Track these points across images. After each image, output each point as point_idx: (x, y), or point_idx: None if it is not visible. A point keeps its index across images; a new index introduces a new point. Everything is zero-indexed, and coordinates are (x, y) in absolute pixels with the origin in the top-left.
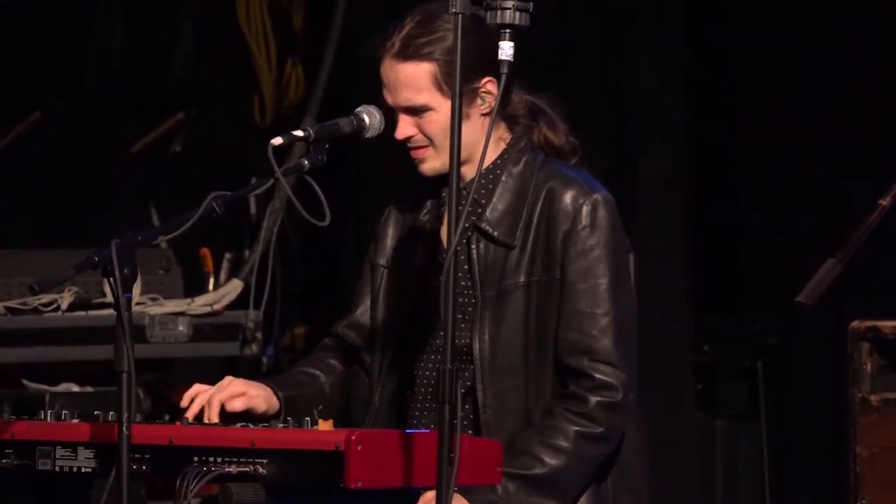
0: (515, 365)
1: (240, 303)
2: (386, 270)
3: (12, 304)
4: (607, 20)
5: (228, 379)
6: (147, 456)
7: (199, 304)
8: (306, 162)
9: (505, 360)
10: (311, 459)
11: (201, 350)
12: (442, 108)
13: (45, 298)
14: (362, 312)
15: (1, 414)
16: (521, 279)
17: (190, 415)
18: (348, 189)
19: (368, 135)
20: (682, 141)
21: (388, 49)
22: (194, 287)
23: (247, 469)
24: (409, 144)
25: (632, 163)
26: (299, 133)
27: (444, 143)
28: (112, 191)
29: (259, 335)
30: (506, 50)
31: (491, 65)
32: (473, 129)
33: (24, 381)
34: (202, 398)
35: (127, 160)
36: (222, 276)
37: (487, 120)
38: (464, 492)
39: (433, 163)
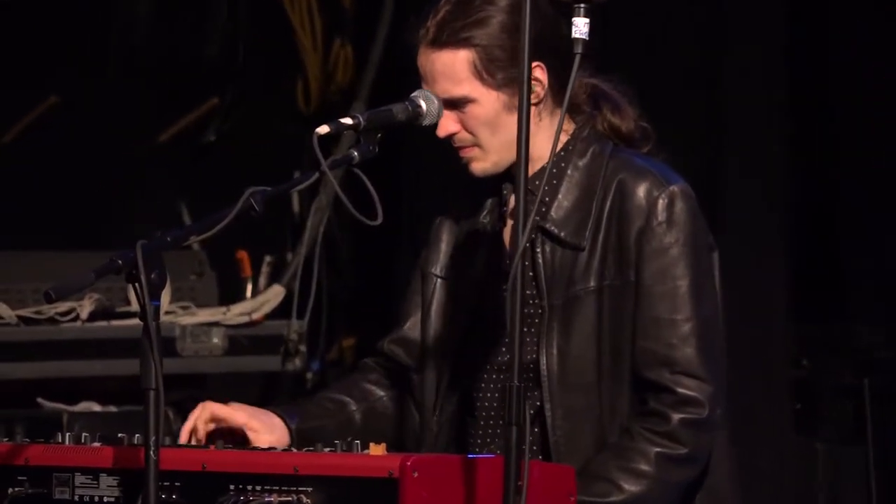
0: (587, 381)
1: (281, 311)
2: (440, 280)
3: (26, 312)
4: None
5: (234, 406)
6: (177, 483)
7: (236, 313)
8: (356, 153)
9: (576, 376)
10: (362, 487)
11: (238, 365)
12: (484, 99)
13: (63, 307)
14: (411, 327)
15: (14, 436)
16: (592, 284)
17: (183, 435)
18: (403, 184)
19: (426, 122)
20: (780, 141)
21: (422, 37)
22: (230, 294)
23: (289, 498)
24: (453, 143)
25: (725, 161)
26: (348, 121)
27: (490, 140)
28: (138, 185)
29: (303, 348)
30: (580, 27)
31: (540, 48)
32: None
33: (40, 400)
34: (188, 426)
35: (155, 151)
36: (261, 281)
37: (537, 110)
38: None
39: (482, 163)
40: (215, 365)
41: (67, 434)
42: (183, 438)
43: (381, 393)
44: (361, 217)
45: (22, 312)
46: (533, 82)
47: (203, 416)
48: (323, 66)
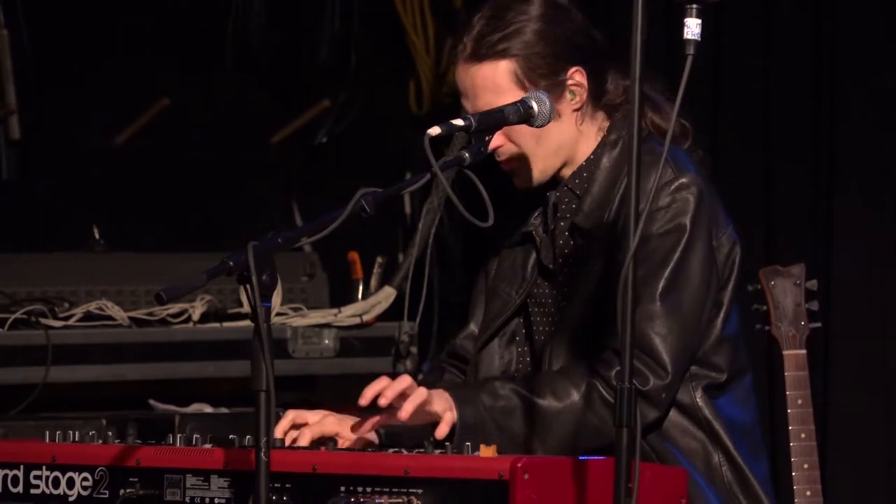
0: (580, 344)
1: (393, 313)
2: (496, 273)
3: (138, 314)
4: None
5: (322, 413)
6: (288, 485)
7: (347, 314)
8: (467, 155)
9: (570, 344)
10: (472, 489)
11: (349, 366)
12: None
13: (175, 308)
14: (477, 324)
15: (125, 438)
16: (596, 265)
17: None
18: (513, 185)
19: (537, 124)
20: None
21: (460, 53)
22: (341, 296)
23: (400, 500)
24: (497, 158)
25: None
26: (460, 122)
27: (536, 148)
28: (250, 187)
29: (414, 349)
30: (692, 28)
31: (579, 53)
32: (566, 128)
33: (151, 402)
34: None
35: (267, 152)
36: (373, 283)
37: (579, 115)
38: (459, 400)
39: (525, 177)
40: (326, 367)
41: (179, 435)
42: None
43: None
44: (472, 218)
45: (134, 314)
46: (574, 87)
47: (282, 424)
48: (435, 67)
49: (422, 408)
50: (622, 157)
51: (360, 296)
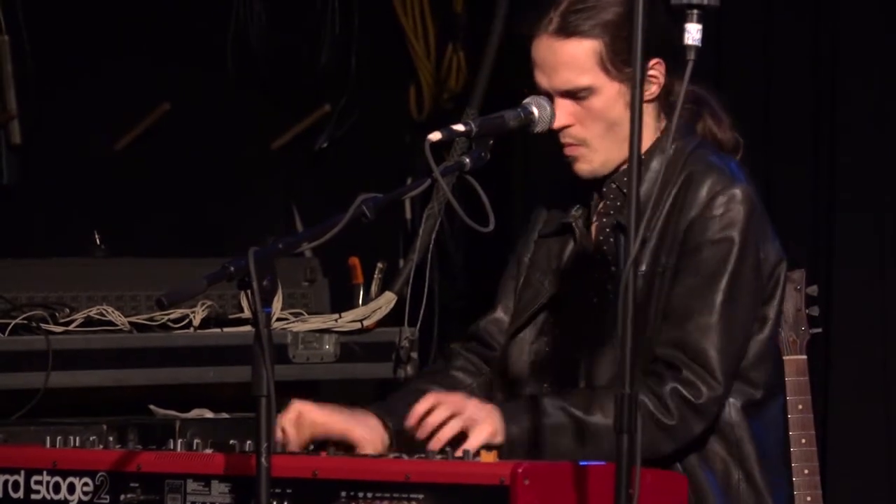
0: (615, 361)
1: (393, 318)
2: (530, 263)
3: (139, 319)
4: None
5: (330, 409)
6: (289, 490)
7: (348, 319)
8: (468, 160)
9: (612, 352)
10: (473, 495)
11: (350, 371)
12: (606, 91)
13: (176, 314)
14: (504, 310)
15: (126, 443)
16: (644, 267)
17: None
18: (515, 191)
19: (538, 129)
20: None
21: (544, 26)
22: (342, 301)
23: None
24: (561, 139)
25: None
26: (460, 127)
27: (602, 136)
28: (250, 192)
29: (415, 355)
30: (693, 33)
31: (660, 46)
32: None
33: (152, 407)
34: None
35: (267, 157)
36: (373, 288)
37: (651, 107)
38: (508, 418)
39: (587, 164)
40: (327, 372)
41: (179, 441)
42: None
43: (469, 381)
44: (473, 224)
45: (135, 319)
46: (652, 78)
47: (289, 416)
48: (435, 72)
49: (460, 433)
50: (674, 163)
51: (360, 301)
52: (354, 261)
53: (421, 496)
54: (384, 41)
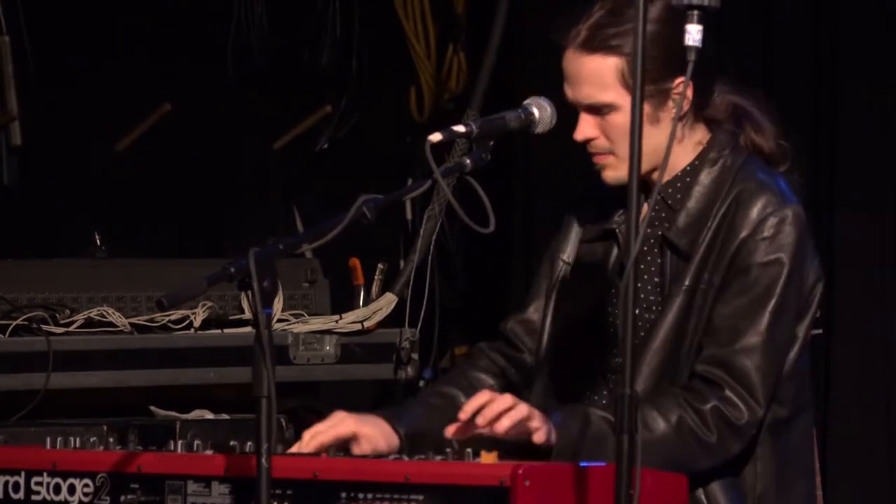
0: (656, 371)
1: (394, 319)
2: (569, 267)
3: (139, 320)
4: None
5: (338, 416)
6: (289, 491)
7: (349, 321)
8: (469, 161)
9: (646, 366)
10: (473, 496)
11: (350, 372)
12: (627, 108)
13: (176, 315)
14: (535, 310)
15: (126, 444)
16: (687, 283)
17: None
18: (516, 191)
19: (538, 130)
20: None
21: (572, 38)
22: (343, 302)
23: None
24: (589, 149)
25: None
26: (461, 128)
27: (627, 149)
28: (251, 193)
29: (415, 356)
30: (693, 34)
31: (686, 63)
32: (661, 134)
33: (152, 408)
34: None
35: (268, 158)
36: (374, 289)
37: (679, 125)
38: (560, 423)
39: (616, 172)
40: (327, 373)
41: (180, 442)
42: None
43: (492, 381)
44: (474, 225)
45: (135, 320)
46: (677, 97)
47: (335, 432)
48: (436, 73)
49: (520, 422)
50: (722, 178)
51: (361, 302)
52: (355, 262)
53: (421, 497)
54: (385, 42)
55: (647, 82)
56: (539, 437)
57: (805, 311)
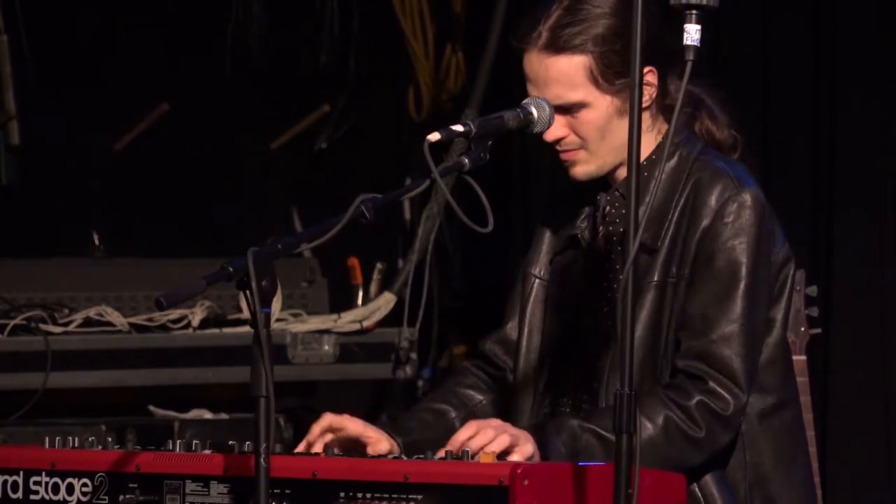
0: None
1: (392, 319)
2: (538, 281)
3: (138, 320)
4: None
5: (347, 416)
6: (288, 491)
7: (347, 320)
8: (467, 160)
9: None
10: (472, 495)
11: (349, 372)
12: (598, 104)
13: (175, 314)
14: (512, 328)
15: (125, 444)
16: (655, 278)
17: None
18: (514, 191)
19: (537, 129)
20: None
21: (534, 41)
22: (341, 301)
23: None
24: (557, 147)
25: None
26: (459, 128)
27: (599, 144)
28: (249, 193)
29: (414, 355)
30: (692, 34)
31: (652, 52)
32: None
33: (151, 408)
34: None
35: (266, 158)
36: (373, 288)
37: (647, 114)
38: (539, 435)
39: (586, 166)
40: (326, 372)
41: (178, 441)
42: (301, 448)
43: (480, 397)
44: (472, 224)
45: (134, 320)
46: (644, 86)
47: (321, 423)
48: (434, 72)
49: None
50: (679, 170)
51: (359, 301)
52: (354, 261)
53: (420, 497)
54: (383, 42)
55: (615, 77)
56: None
57: (779, 294)
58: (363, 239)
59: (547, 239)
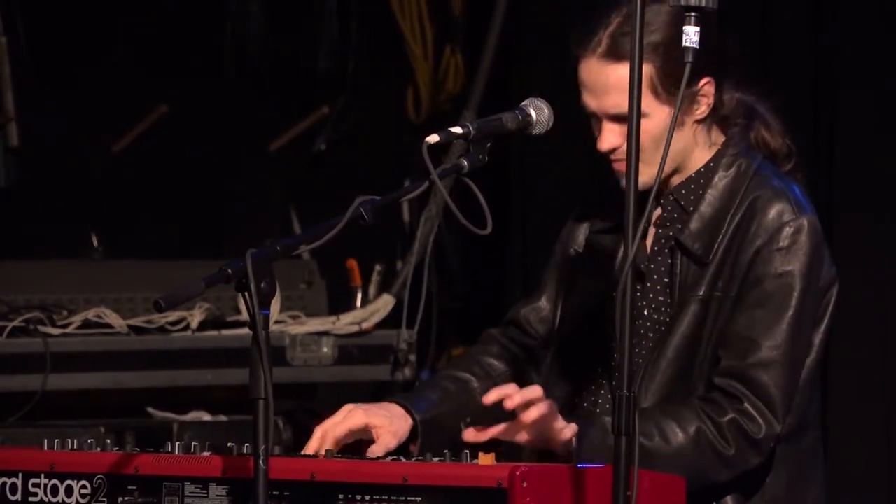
0: (671, 380)
1: (391, 321)
2: (580, 258)
3: (136, 322)
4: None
5: (346, 409)
6: (287, 493)
7: (346, 322)
8: (466, 162)
9: (661, 375)
10: (471, 497)
11: (348, 374)
12: (656, 114)
13: (173, 316)
14: (548, 299)
15: (123, 446)
16: (702, 292)
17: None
18: (513, 193)
19: (536, 131)
20: None
21: (592, 47)
22: (340, 303)
23: None
24: (612, 156)
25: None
26: (458, 129)
27: (654, 154)
28: (248, 194)
29: (413, 357)
30: (690, 35)
31: (710, 63)
32: (685, 136)
33: (150, 410)
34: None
35: (265, 159)
36: (371, 290)
37: (698, 125)
38: (580, 431)
39: (640, 176)
40: (325, 374)
41: (177, 443)
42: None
43: (504, 368)
44: (471, 226)
45: (132, 322)
46: (702, 97)
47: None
48: (433, 74)
49: (545, 420)
50: (737, 183)
51: (358, 303)
52: (352, 263)
53: (419, 499)
54: (382, 43)
55: (674, 86)
56: (566, 435)
57: (822, 316)
58: (362, 240)
59: (587, 223)
